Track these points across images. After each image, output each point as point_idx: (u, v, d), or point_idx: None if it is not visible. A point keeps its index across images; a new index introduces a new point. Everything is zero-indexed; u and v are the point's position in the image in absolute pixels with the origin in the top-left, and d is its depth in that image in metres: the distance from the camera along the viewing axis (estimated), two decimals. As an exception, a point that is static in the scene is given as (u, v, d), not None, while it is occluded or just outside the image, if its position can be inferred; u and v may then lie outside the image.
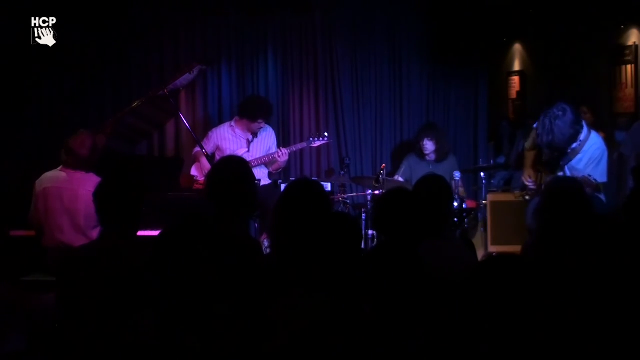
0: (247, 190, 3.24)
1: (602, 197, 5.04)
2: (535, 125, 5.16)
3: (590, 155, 4.72)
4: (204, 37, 7.12)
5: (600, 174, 4.68)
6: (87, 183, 4.38)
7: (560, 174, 4.86)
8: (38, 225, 4.53)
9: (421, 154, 6.63)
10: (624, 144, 5.39)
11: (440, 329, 2.31)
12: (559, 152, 4.69)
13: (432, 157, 6.60)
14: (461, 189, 6.11)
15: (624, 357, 2.35)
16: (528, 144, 5.21)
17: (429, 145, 6.54)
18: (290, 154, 6.33)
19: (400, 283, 2.32)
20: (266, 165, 6.31)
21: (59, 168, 4.56)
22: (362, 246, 3.35)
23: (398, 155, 7.34)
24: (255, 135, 6.27)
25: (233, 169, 3.28)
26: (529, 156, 5.21)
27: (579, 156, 4.76)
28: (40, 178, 4.54)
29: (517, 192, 5.29)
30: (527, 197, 5.17)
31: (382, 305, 2.33)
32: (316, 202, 3.07)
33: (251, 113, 6.15)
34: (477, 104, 7.76)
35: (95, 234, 4.37)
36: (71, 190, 4.44)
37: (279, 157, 6.13)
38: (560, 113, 4.58)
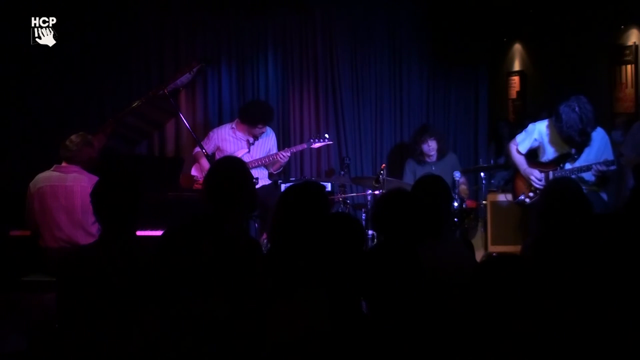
0: (245, 190, 3.24)
1: (604, 195, 5.08)
2: (534, 124, 5.21)
3: (599, 141, 5.01)
4: (204, 37, 7.12)
5: (609, 153, 5.01)
6: (81, 179, 4.46)
7: (568, 166, 5.02)
8: (34, 225, 4.54)
9: (419, 158, 6.56)
10: (624, 144, 5.40)
11: (440, 329, 2.31)
12: (587, 137, 4.93)
13: (434, 157, 6.54)
14: (463, 187, 6.11)
15: (624, 356, 2.35)
16: (523, 147, 5.23)
17: (432, 145, 6.46)
18: (290, 155, 6.34)
19: (399, 283, 2.32)
20: (266, 166, 6.31)
21: (52, 168, 4.58)
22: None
23: (398, 156, 7.34)
24: (256, 137, 6.27)
25: (230, 170, 3.28)
26: (521, 160, 5.24)
27: (590, 146, 4.99)
28: (34, 179, 4.56)
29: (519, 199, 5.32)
30: (527, 200, 5.19)
31: (380, 305, 2.33)
32: (314, 202, 3.07)
33: (251, 118, 6.15)
34: (477, 104, 7.77)
35: (94, 229, 4.36)
36: (66, 187, 4.47)
37: (280, 158, 6.14)
38: (582, 99, 4.87)
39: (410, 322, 2.28)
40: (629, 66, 5.82)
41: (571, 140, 4.94)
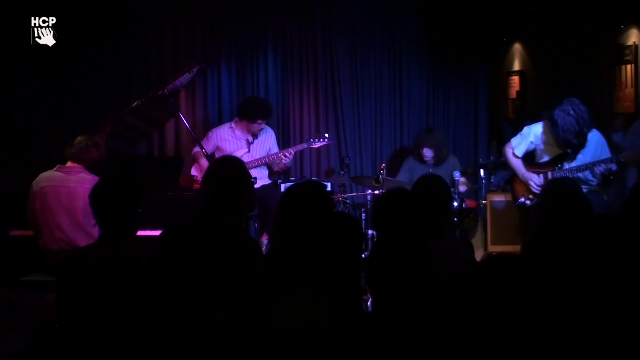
0: (243, 189, 3.24)
1: (604, 195, 5.08)
2: (530, 127, 5.20)
3: (596, 142, 5.01)
4: (204, 37, 7.12)
5: (606, 152, 5.03)
6: (84, 181, 4.42)
7: (567, 166, 5.02)
8: (35, 225, 4.54)
9: (420, 158, 6.60)
10: (624, 144, 5.40)
11: (440, 328, 2.31)
12: (584, 138, 4.93)
13: (431, 162, 6.58)
14: (463, 181, 6.12)
15: (624, 356, 2.35)
16: (519, 151, 5.21)
17: (428, 153, 6.50)
18: (293, 155, 6.34)
19: (409, 282, 2.32)
20: (268, 165, 6.31)
21: (55, 168, 4.57)
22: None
23: (398, 155, 7.34)
24: (255, 136, 6.28)
25: (228, 169, 3.28)
26: (519, 164, 5.22)
27: (586, 147, 4.99)
28: (37, 179, 4.55)
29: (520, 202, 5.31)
30: (527, 203, 5.18)
31: (389, 303, 2.33)
32: (316, 202, 3.07)
33: (250, 114, 6.15)
34: (477, 104, 7.76)
35: (95, 231, 4.36)
36: (69, 188, 4.46)
37: (284, 157, 6.14)
38: (575, 102, 4.88)
39: (416, 321, 2.28)
40: (629, 66, 5.82)
41: (569, 144, 4.93)
